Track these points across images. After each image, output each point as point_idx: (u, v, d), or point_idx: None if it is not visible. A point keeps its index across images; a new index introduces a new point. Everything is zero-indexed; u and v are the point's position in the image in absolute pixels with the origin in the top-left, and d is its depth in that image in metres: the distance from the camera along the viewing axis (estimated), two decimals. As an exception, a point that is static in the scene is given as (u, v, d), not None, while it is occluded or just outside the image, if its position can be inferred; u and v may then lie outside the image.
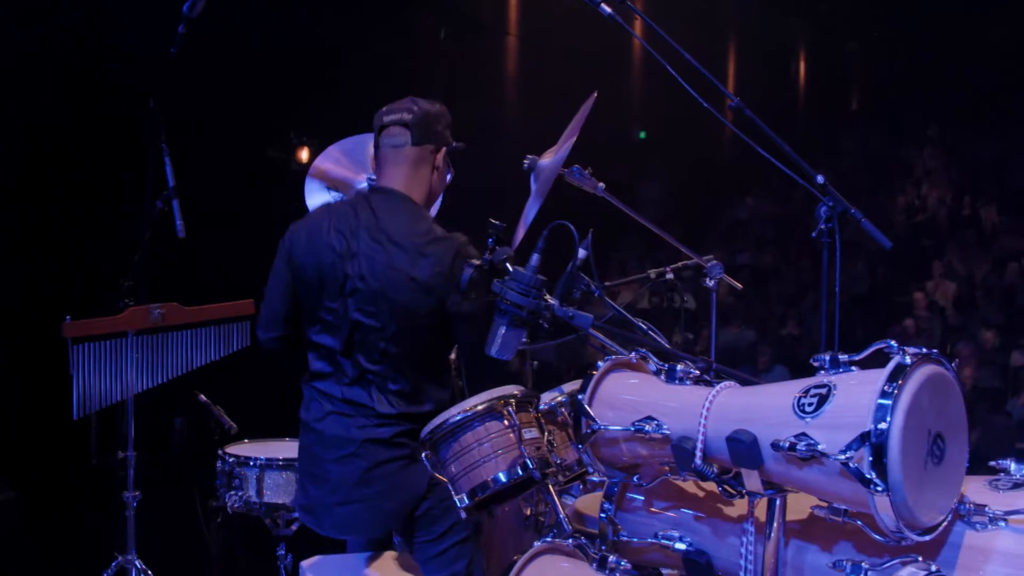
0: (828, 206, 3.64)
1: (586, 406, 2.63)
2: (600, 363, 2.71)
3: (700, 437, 2.44)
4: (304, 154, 8.20)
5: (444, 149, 3.62)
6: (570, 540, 2.68)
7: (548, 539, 2.68)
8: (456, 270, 3.36)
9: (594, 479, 4.13)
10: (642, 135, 14.05)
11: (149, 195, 5.23)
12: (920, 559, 2.20)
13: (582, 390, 2.66)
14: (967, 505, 2.35)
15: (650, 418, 2.53)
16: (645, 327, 3.57)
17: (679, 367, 2.61)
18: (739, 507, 2.70)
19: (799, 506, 2.56)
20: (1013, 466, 2.50)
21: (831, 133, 14.46)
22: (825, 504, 2.35)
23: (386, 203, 3.54)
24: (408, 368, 3.52)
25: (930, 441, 2.22)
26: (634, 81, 13.86)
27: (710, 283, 4.43)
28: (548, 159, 3.94)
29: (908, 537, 2.18)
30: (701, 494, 2.78)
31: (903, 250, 11.76)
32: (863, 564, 2.22)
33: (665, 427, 2.51)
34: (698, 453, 2.44)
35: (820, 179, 3.64)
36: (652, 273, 4.74)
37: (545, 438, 3.32)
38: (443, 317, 3.47)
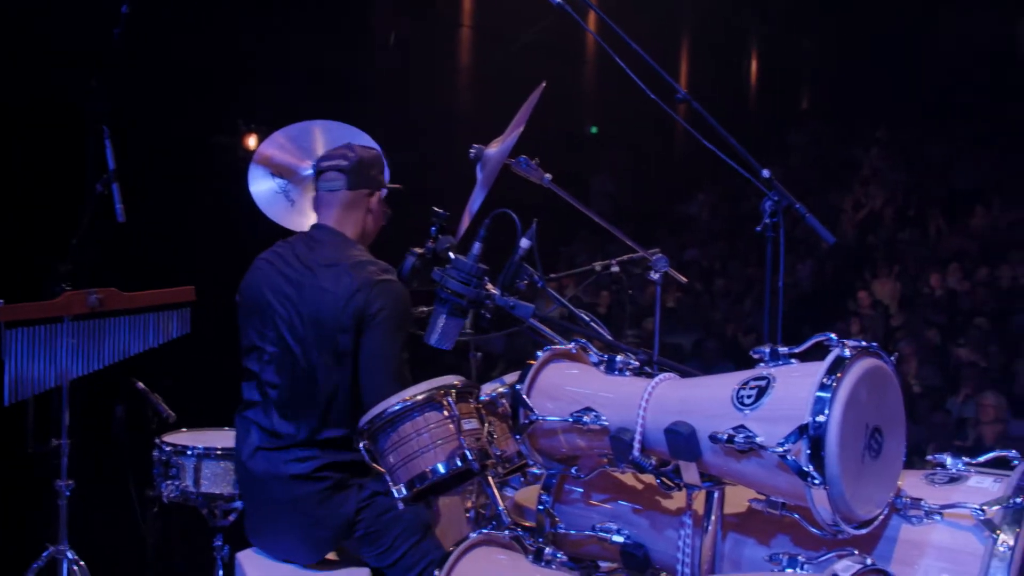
0: (773, 200, 3.62)
1: (524, 396, 2.60)
2: (539, 353, 2.68)
3: (638, 429, 2.41)
4: (251, 141, 8.09)
5: (379, 193, 3.79)
6: (506, 532, 2.64)
7: (484, 531, 2.64)
8: (356, 299, 3.51)
9: (535, 471, 4.12)
10: (593, 130, 14.05)
11: (89, 177, 5.14)
12: (855, 552, 2.18)
13: (520, 380, 2.63)
14: (903, 499, 2.35)
15: (589, 409, 2.50)
16: (588, 318, 3.54)
17: (619, 358, 2.59)
18: (677, 500, 2.68)
19: (737, 499, 2.54)
20: (949, 460, 2.49)
21: (781, 130, 14.54)
22: (763, 497, 2.34)
23: (320, 236, 3.70)
24: (327, 393, 3.58)
25: (868, 434, 2.21)
26: (588, 74, 13.86)
27: (655, 276, 4.39)
28: (495, 148, 3.90)
29: (844, 530, 2.17)
30: (640, 486, 2.75)
31: (849, 249, 11.86)
32: (799, 557, 2.20)
33: (604, 418, 2.48)
34: (636, 445, 2.41)
35: (766, 173, 3.63)
36: (597, 266, 4.70)
37: (485, 429, 3.29)
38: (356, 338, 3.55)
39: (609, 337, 3.58)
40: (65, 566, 4.47)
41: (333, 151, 3.82)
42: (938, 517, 2.31)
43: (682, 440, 2.29)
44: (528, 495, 3.86)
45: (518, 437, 2.61)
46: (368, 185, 3.77)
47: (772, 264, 3.62)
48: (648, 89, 3.70)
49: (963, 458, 2.49)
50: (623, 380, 2.56)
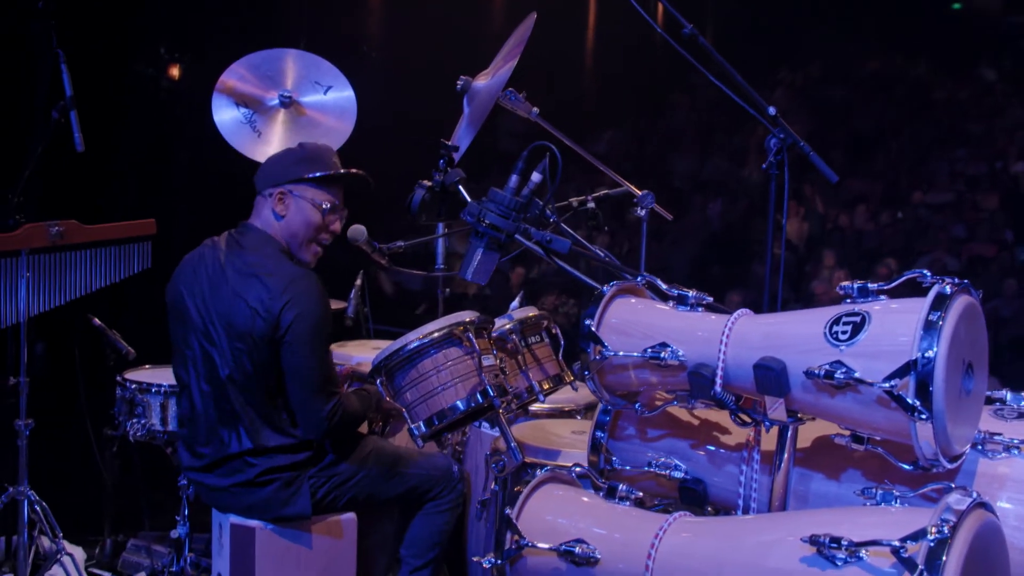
0: (779, 138, 3.64)
1: (595, 331, 2.55)
2: (605, 288, 2.64)
3: (720, 364, 2.40)
4: (175, 71, 7.76)
5: (289, 187, 3.61)
6: (574, 468, 2.62)
7: (548, 469, 2.61)
8: (270, 309, 3.42)
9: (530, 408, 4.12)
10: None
11: (40, 104, 4.89)
12: (952, 486, 2.22)
13: (589, 315, 2.58)
14: (981, 433, 2.39)
15: (664, 344, 2.48)
16: (602, 254, 3.52)
17: (691, 293, 2.56)
18: (736, 436, 2.69)
19: (801, 436, 2.56)
20: (1009, 395, 2.55)
21: (683, 72, 14.62)
22: (847, 432, 2.35)
23: (243, 238, 3.60)
24: (254, 399, 3.54)
25: (964, 371, 2.24)
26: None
27: (641, 213, 4.40)
28: (484, 81, 3.82)
29: (942, 464, 2.20)
30: (696, 423, 2.75)
31: (756, 190, 12.03)
32: (893, 492, 2.23)
33: (681, 353, 2.46)
34: (718, 380, 2.40)
35: (771, 111, 3.65)
36: (574, 201, 4.68)
37: (499, 365, 3.26)
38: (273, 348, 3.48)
39: (626, 272, 3.57)
40: (26, 507, 4.31)
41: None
42: (1016, 451, 2.37)
43: (773, 376, 2.29)
44: (524, 432, 3.85)
45: (587, 373, 2.57)
46: (270, 183, 3.62)
47: (776, 202, 3.64)
48: (655, 23, 3.68)
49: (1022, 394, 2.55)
50: (697, 315, 2.54)
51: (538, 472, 2.59)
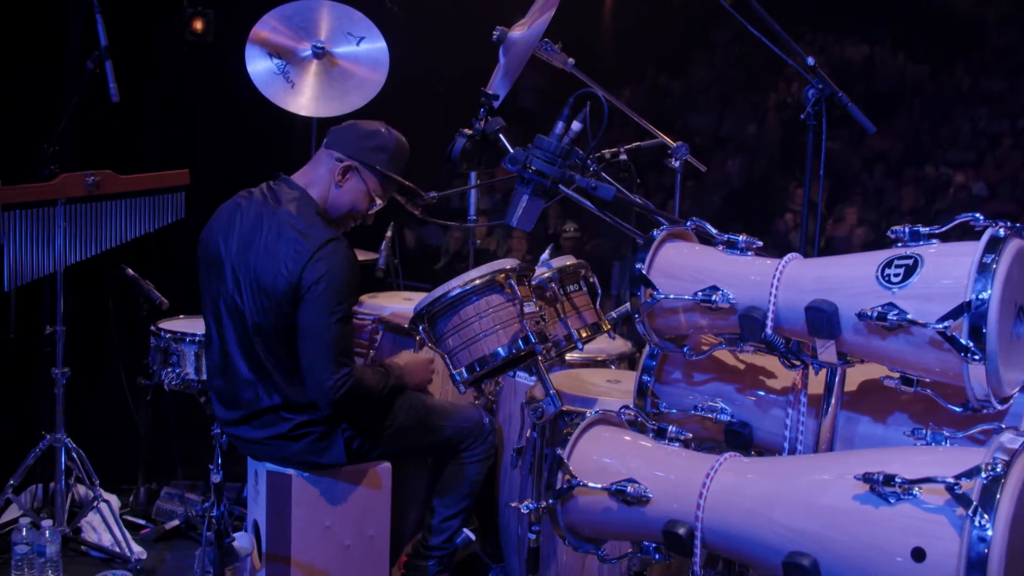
0: (817, 88, 3.63)
1: (646, 274, 2.57)
2: (655, 232, 2.65)
3: (771, 307, 2.42)
4: (206, 23, 7.74)
5: (357, 163, 3.66)
6: (622, 410, 2.64)
7: (597, 411, 2.64)
8: (293, 267, 3.46)
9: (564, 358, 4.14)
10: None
11: (75, 55, 4.90)
12: (1004, 427, 2.24)
13: (639, 260, 2.60)
14: (1026, 376, 2.40)
15: (715, 287, 2.50)
16: (643, 202, 3.53)
17: (741, 238, 2.58)
18: (781, 380, 2.71)
19: (847, 379, 2.58)
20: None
21: (705, 28, 14.53)
22: (896, 375, 2.37)
23: (280, 191, 3.63)
24: (281, 356, 3.58)
25: (1015, 313, 2.25)
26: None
27: (675, 164, 4.41)
28: (520, 31, 3.82)
29: (992, 405, 2.22)
30: (741, 367, 2.78)
31: (778, 146, 12.00)
32: (944, 432, 2.25)
33: (732, 296, 2.48)
34: (769, 323, 2.42)
35: (810, 61, 3.64)
36: (607, 153, 4.68)
37: (539, 312, 3.29)
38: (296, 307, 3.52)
39: (667, 219, 3.58)
40: (63, 454, 4.37)
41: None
42: (1062, 394, 2.38)
43: (825, 318, 2.31)
44: (557, 380, 3.88)
45: (637, 316, 2.59)
46: (343, 150, 3.65)
47: (813, 151, 3.64)
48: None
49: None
50: (747, 259, 2.55)
51: (584, 416, 2.61)
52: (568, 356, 4.17)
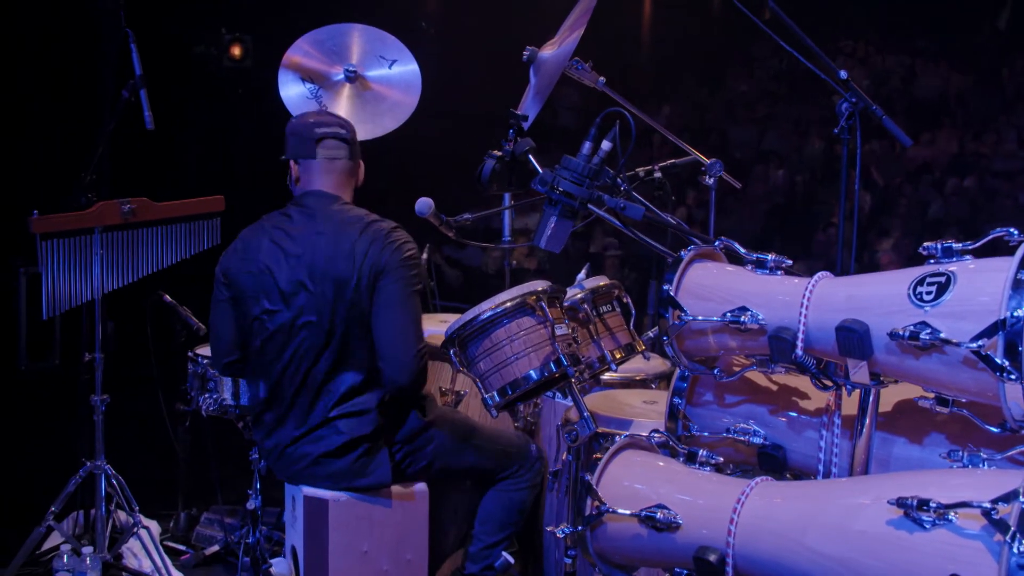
0: (851, 102, 3.58)
1: (674, 296, 2.54)
2: (683, 252, 2.62)
3: (801, 327, 2.38)
4: (236, 50, 7.83)
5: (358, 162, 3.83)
6: (654, 434, 2.61)
7: (627, 435, 2.60)
8: (383, 254, 3.54)
9: (601, 378, 4.11)
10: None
11: (110, 84, 4.94)
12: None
13: (667, 281, 2.57)
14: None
15: (744, 308, 2.46)
16: (675, 221, 3.49)
17: (771, 257, 2.54)
18: (815, 401, 2.66)
19: (882, 399, 2.53)
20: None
21: (744, 42, 14.48)
22: (931, 395, 2.32)
23: (316, 203, 3.68)
24: (352, 360, 3.61)
25: (1051, 330, 2.19)
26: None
27: (710, 181, 4.37)
28: (550, 51, 3.81)
29: (1031, 426, 2.17)
30: (774, 388, 2.73)
31: (818, 160, 11.91)
32: (981, 454, 2.19)
33: (761, 317, 2.44)
34: (799, 344, 2.38)
35: (843, 75, 3.59)
36: (641, 171, 4.65)
37: (572, 334, 3.25)
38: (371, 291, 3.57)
39: (698, 238, 3.55)
40: (103, 481, 4.39)
41: (324, 117, 3.81)
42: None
43: (856, 338, 2.26)
44: (594, 402, 3.84)
45: (666, 338, 2.56)
46: (349, 153, 3.76)
47: (848, 166, 3.60)
48: None
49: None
50: (777, 279, 2.51)
51: (615, 440, 2.57)
52: (606, 376, 4.13)
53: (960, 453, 2.23)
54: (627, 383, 4.23)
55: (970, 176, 10.72)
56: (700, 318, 2.51)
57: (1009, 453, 2.20)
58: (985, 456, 2.20)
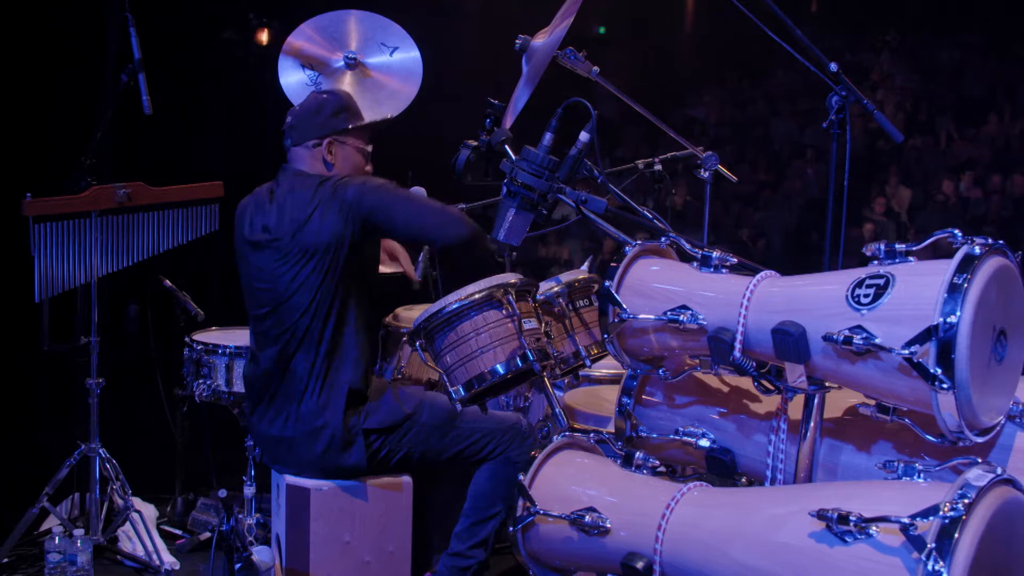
0: (840, 96, 3.50)
1: (614, 293, 2.47)
2: (627, 248, 2.55)
3: (740, 328, 2.30)
4: (264, 36, 7.83)
5: (334, 138, 3.66)
6: (591, 435, 2.54)
7: (566, 434, 2.54)
8: (353, 196, 3.46)
9: (590, 374, 4.04)
10: (601, 30, 13.75)
11: (110, 68, 4.95)
12: (979, 460, 2.09)
13: (609, 276, 2.50)
14: (1019, 405, 2.25)
15: (684, 307, 2.39)
16: (650, 215, 3.42)
17: (715, 254, 2.46)
18: (766, 404, 2.59)
19: (832, 404, 2.45)
20: (1057, 365, 2.39)
21: (789, 34, 14.29)
22: (871, 402, 2.24)
23: (284, 176, 3.66)
24: (323, 325, 3.54)
25: (994, 338, 2.10)
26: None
27: (705, 175, 4.29)
28: (541, 40, 3.75)
29: (967, 438, 2.07)
30: (725, 390, 2.65)
31: (859, 155, 11.71)
32: (916, 465, 2.10)
33: (701, 317, 2.37)
34: (737, 345, 2.30)
35: (833, 67, 3.51)
36: (640, 164, 4.58)
37: (543, 329, 3.19)
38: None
39: (673, 233, 3.47)
40: (97, 464, 4.40)
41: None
42: (1055, 425, 2.22)
43: (791, 341, 2.19)
44: (577, 398, 3.78)
45: (606, 336, 2.49)
46: (314, 134, 3.65)
47: (837, 161, 3.52)
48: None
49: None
50: (720, 277, 2.43)
51: (554, 439, 2.51)
52: (596, 372, 4.07)
53: (895, 464, 2.13)
54: (617, 379, 4.16)
55: (1014, 174, 10.48)
56: (640, 316, 2.44)
57: (949, 463, 2.11)
58: (921, 468, 2.11)
